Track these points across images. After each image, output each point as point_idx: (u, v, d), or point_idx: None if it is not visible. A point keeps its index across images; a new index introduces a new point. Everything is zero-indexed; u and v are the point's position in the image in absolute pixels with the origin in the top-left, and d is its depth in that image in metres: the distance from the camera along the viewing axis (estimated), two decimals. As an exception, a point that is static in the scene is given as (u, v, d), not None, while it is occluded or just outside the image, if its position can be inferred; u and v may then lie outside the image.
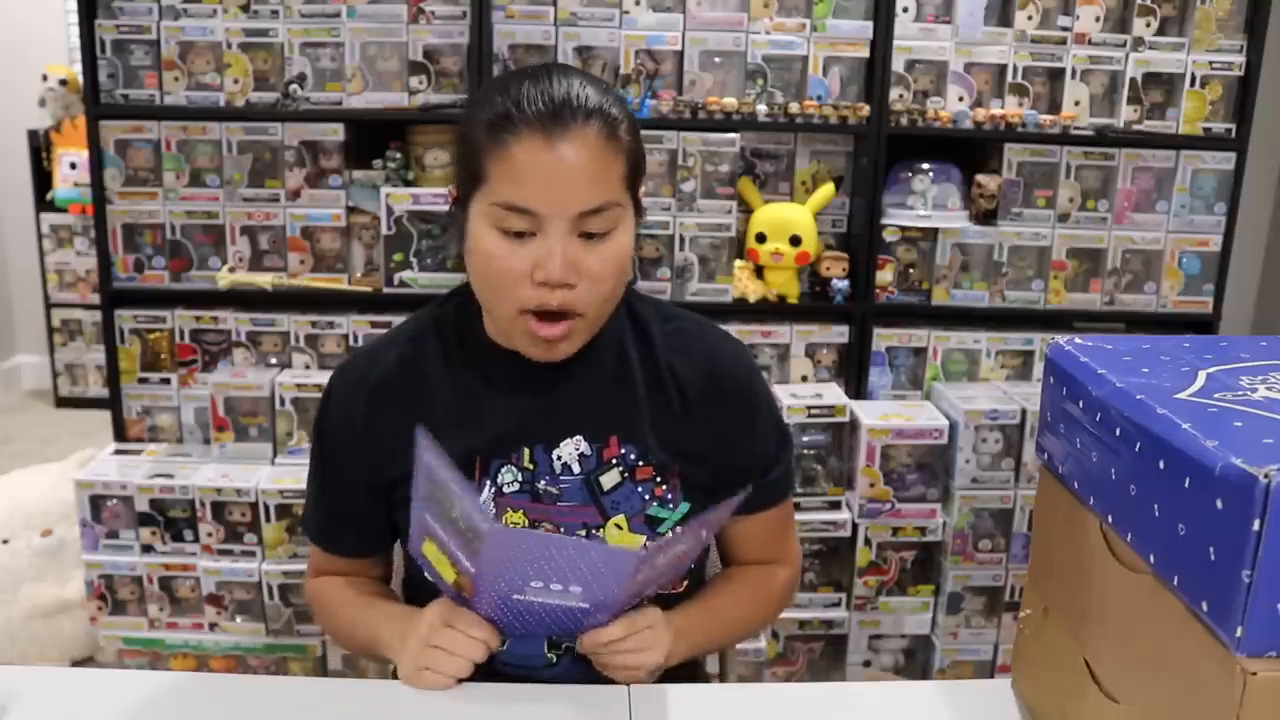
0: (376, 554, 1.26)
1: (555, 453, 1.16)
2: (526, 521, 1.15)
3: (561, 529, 1.14)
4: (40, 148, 4.01)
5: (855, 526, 2.14)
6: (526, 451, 1.15)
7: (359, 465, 1.17)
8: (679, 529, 0.98)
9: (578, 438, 1.16)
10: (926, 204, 2.25)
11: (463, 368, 1.18)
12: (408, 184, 2.21)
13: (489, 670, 1.15)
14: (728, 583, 1.26)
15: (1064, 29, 2.20)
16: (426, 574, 1.09)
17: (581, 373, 1.17)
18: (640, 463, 1.16)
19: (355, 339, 2.23)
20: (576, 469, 1.16)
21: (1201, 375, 0.85)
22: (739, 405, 1.20)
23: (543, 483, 1.15)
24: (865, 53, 2.18)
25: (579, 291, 1.06)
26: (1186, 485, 0.72)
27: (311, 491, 1.24)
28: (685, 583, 1.20)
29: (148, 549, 2.14)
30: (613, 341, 1.19)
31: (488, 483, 1.15)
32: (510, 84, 1.06)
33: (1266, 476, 0.65)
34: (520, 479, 1.15)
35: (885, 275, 2.25)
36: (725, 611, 1.22)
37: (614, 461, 1.16)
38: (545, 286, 1.05)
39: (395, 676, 1.33)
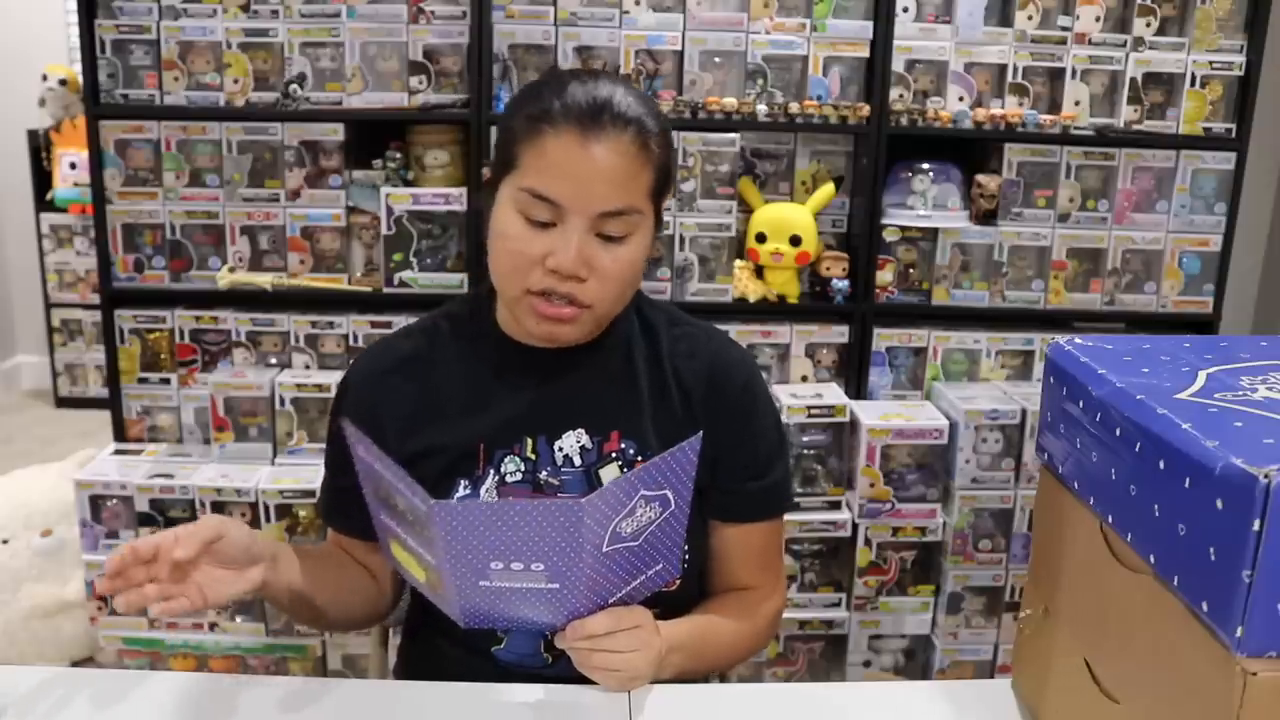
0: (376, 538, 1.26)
1: (557, 444, 1.17)
2: None
3: None
4: (40, 148, 4.01)
5: (855, 526, 2.14)
6: (529, 441, 1.17)
7: None
8: (619, 480, 0.98)
9: (579, 430, 1.17)
10: (926, 204, 2.25)
11: (472, 358, 1.21)
12: (408, 184, 2.21)
13: (489, 670, 1.15)
14: (717, 603, 1.24)
15: (1064, 29, 2.20)
16: (404, 578, 1.10)
17: (587, 367, 1.19)
18: (639, 458, 1.17)
19: (355, 339, 2.22)
20: (577, 461, 1.17)
21: (1202, 375, 0.85)
22: (738, 406, 1.21)
23: (544, 473, 1.17)
24: (865, 53, 2.18)
25: (587, 286, 1.09)
26: (1186, 485, 0.72)
27: (326, 470, 1.27)
28: (679, 581, 1.18)
29: (148, 549, 2.14)
30: (620, 342, 1.21)
31: (491, 471, 1.17)
32: (557, 81, 1.11)
33: (1266, 476, 0.65)
34: (523, 469, 1.17)
35: (885, 275, 2.25)
36: (718, 628, 1.20)
37: (614, 455, 1.17)
38: (555, 275, 1.08)
39: (395, 676, 1.34)
